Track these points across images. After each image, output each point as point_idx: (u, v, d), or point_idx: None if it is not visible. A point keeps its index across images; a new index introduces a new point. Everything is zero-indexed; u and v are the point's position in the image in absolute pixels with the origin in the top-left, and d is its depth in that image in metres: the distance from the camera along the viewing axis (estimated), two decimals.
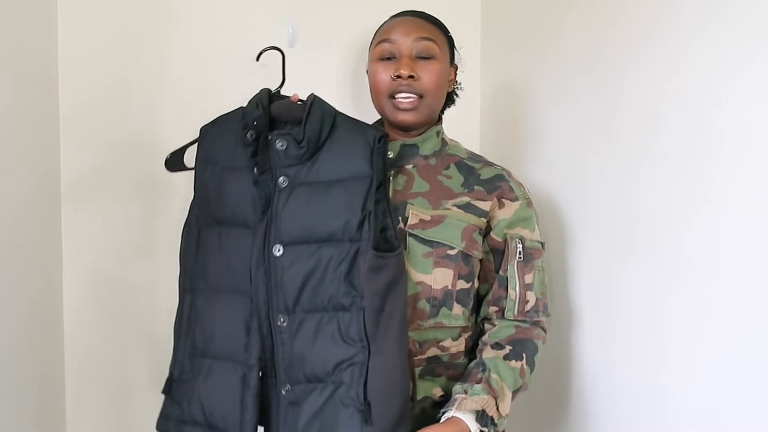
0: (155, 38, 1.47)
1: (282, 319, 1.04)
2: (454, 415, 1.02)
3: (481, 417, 1.02)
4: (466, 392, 1.05)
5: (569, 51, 1.29)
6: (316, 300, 1.03)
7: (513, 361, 1.09)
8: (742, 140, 0.88)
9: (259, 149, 1.07)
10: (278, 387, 1.05)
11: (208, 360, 1.10)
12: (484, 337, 1.14)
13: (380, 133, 1.06)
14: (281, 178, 1.06)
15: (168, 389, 1.14)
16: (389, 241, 1.04)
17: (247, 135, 1.08)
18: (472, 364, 1.11)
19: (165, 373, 1.15)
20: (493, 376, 1.06)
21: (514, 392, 1.08)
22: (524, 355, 1.10)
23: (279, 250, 1.04)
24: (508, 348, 1.10)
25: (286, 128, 1.09)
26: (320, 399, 1.03)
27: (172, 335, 1.15)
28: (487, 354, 1.10)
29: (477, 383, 1.05)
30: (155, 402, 1.48)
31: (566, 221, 1.30)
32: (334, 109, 1.10)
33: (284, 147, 1.05)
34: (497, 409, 1.04)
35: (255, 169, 1.07)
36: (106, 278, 1.47)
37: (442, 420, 1.03)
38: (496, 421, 1.03)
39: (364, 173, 1.04)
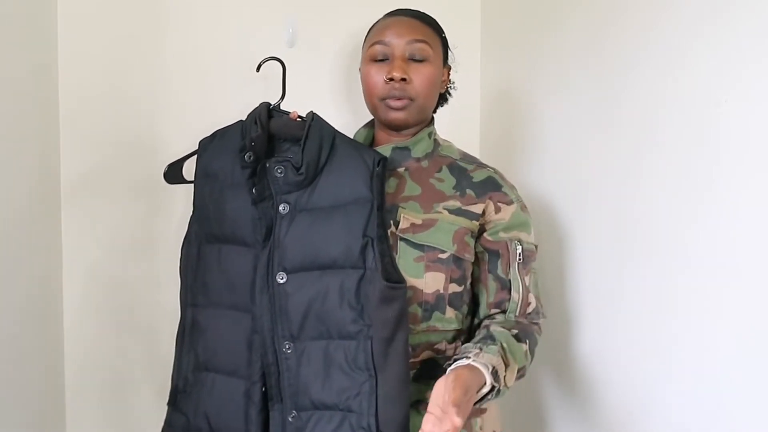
0: (154, 38, 1.47)
1: (287, 346, 1.04)
2: (472, 363, 0.94)
3: (494, 374, 0.95)
4: (480, 349, 0.98)
5: (569, 51, 1.29)
6: (321, 327, 1.04)
7: (519, 342, 1.06)
8: (742, 140, 0.88)
9: (257, 175, 1.07)
10: (284, 413, 1.05)
11: (211, 374, 1.10)
12: (487, 322, 1.11)
13: (379, 156, 1.06)
14: (282, 206, 1.06)
15: (173, 401, 1.14)
16: (395, 270, 1.04)
17: (245, 157, 1.07)
18: (480, 334, 1.06)
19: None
20: (504, 345, 1.02)
21: (518, 371, 1.03)
22: (528, 341, 1.08)
23: (282, 278, 1.04)
24: (514, 330, 1.07)
25: (285, 147, 1.09)
26: (329, 426, 1.02)
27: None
28: (495, 329, 1.06)
29: (492, 344, 1.00)
30: (155, 401, 1.49)
31: (566, 222, 1.30)
32: (332, 128, 1.09)
33: (283, 174, 1.05)
34: (504, 377, 0.98)
35: (254, 190, 1.07)
36: (106, 278, 1.47)
37: (454, 366, 0.95)
38: (500, 388, 0.97)
39: (364, 198, 1.04)
